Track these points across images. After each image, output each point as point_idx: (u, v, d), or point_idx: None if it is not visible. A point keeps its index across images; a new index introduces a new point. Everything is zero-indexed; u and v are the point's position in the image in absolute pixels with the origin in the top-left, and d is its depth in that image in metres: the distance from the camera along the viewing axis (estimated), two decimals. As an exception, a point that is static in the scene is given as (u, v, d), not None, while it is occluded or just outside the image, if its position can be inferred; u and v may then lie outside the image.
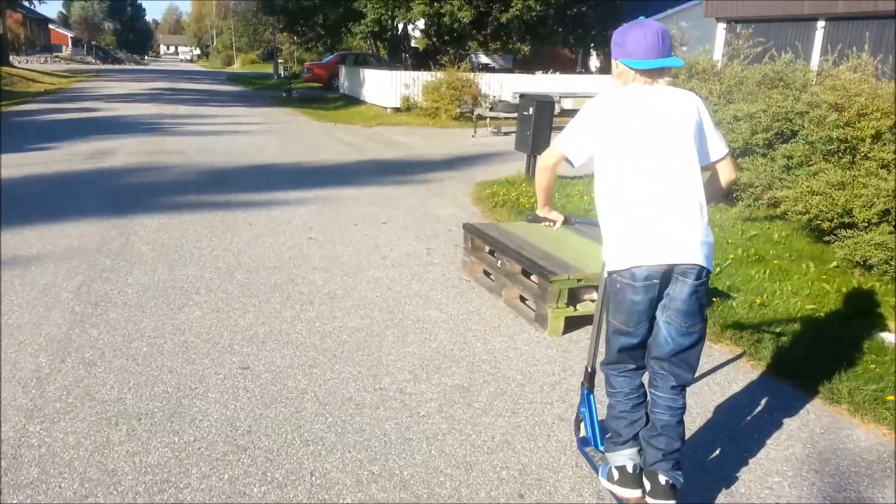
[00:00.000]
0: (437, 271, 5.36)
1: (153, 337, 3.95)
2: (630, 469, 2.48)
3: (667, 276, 2.31)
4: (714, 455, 3.02)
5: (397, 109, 18.52)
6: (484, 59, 28.43)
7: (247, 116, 17.29)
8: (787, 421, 3.31)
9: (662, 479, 2.38)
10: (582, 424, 2.81)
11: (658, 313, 2.37)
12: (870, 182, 5.37)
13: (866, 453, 3.08)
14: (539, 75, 20.70)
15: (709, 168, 2.52)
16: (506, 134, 14.42)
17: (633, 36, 2.41)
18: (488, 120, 14.85)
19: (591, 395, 2.78)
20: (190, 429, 3.05)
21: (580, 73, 25.66)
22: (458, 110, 16.20)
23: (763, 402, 3.49)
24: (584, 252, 4.57)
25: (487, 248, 5.15)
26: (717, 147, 2.50)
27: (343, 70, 25.28)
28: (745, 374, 3.79)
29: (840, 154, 5.90)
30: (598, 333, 2.74)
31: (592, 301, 4.32)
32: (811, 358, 3.87)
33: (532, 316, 4.37)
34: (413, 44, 28.37)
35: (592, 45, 24.56)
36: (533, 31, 21.35)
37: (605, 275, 2.47)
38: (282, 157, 10.82)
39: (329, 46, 32.87)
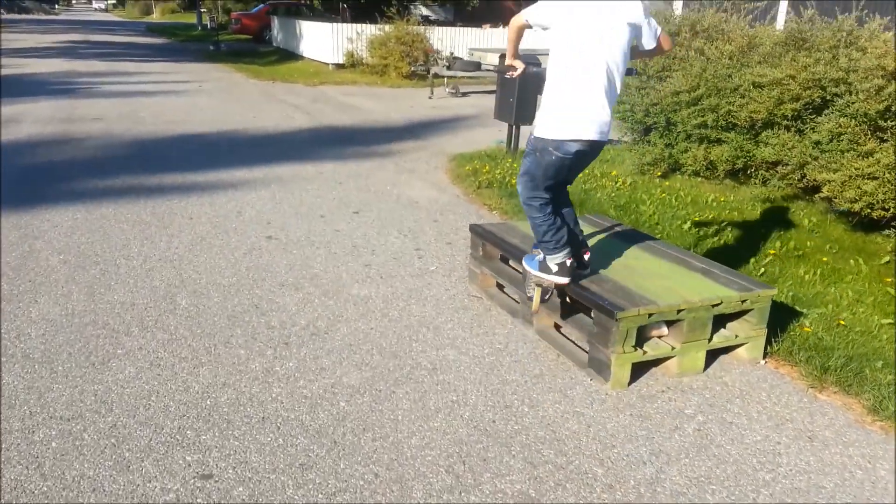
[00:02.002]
0: (437, 284, 4.26)
1: (66, 419, 2.74)
2: (568, 263, 3.30)
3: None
4: None
5: (340, 66, 17.01)
6: (425, 11, 26.77)
7: (173, 73, 15.51)
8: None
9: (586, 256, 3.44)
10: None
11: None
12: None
13: None
14: (488, 29, 19.38)
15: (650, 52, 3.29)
16: (464, 95, 13.25)
17: None
18: (446, 80, 13.59)
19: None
20: None
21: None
22: (409, 68, 14.85)
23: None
24: (642, 269, 3.54)
25: (501, 255, 4.07)
26: (649, 40, 3.20)
27: (276, 21, 23.36)
28: (880, 444, 2.85)
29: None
30: None
31: (662, 337, 3.31)
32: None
33: (583, 359, 3.34)
34: (351, -7, 26.44)
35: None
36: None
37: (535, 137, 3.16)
38: (219, 124, 9.38)
39: (258, -5, 30.54)
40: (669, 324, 3.28)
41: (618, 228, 4.23)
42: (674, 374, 3.31)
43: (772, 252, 5.02)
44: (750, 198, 6.39)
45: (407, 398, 2.99)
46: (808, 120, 5.81)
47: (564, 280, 3.31)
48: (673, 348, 3.26)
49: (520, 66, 3.63)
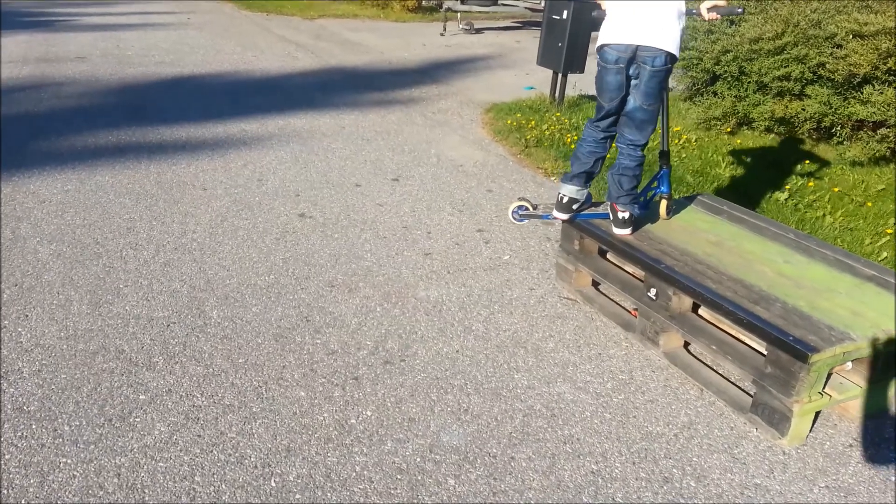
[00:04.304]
0: (517, 281, 3.49)
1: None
2: (565, 200, 3.16)
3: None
4: None
5: (338, -4, 15.75)
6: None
7: (157, 3, 14.21)
8: None
9: (620, 213, 3.05)
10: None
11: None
12: None
13: None
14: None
15: None
16: (477, 31, 12.18)
17: None
18: (459, 15, 12.48)
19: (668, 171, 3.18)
20: None
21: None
22: (415, 0, 13.68)
23: None
24: (804, 280, 2.78)
25: (598, 248, 3.30)
26: None
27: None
28: None
29: None
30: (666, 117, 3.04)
31: (844, 378, 2.58)
32: None
33: (739, 399, 2.62)
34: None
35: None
36: None
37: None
38: (216, 65, 8.36)
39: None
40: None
41: (740, 214, 3.45)
42: (854, 416, 2.60)
43: (889, 231, 4.29)
44: (835, 159, 5.62)
45: (532, 469, 2.25)
46: (918, 74, 4.99)
47: (559, 216, 3.21)
48: (858, 386, 2.54)
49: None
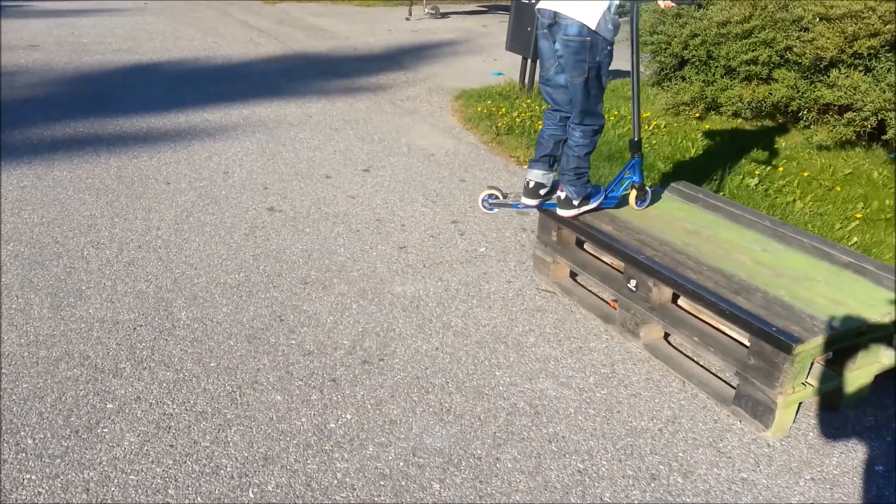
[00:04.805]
0: (494, 274, 3.44)
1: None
2: (531, 185, 3.14)
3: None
4: None
5: (299, -20, 15.40)
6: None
7: (112, -12, 13.73)
8: None
9: (559, 192, 3.10)
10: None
11: None
12: None
13: None
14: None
15: None
16: (443, 16, 12.04)
17: None
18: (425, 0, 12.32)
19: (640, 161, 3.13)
20: None
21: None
22: (379, -17, 13.46)
23: None
24: (782, 268, 2.78)
25: (576, 239, 3.27)
26: None
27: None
28: None
29: None
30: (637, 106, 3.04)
31: (824, 364, 2.58)
32: None
33: (721, 391, 2.61)
34: None
35: None
36: None
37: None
38: (176, 52, 8.12)
39: None
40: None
41: (714, 202, 3.44)
42: (835, 406, 2.60)
43: (857, 216, 4.33)
44: (801, 143, 5.66)
45: (518, 470, 2.20)
46: (884, 59, 5.03)
47: (527, 202, 3.20)
48: (838, 376, 2.54)
49: None
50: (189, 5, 11.92)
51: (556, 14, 2.76)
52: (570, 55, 2.78)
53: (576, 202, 3.07)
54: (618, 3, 2.78)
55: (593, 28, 2.69)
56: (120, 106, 5.81)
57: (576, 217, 3.12)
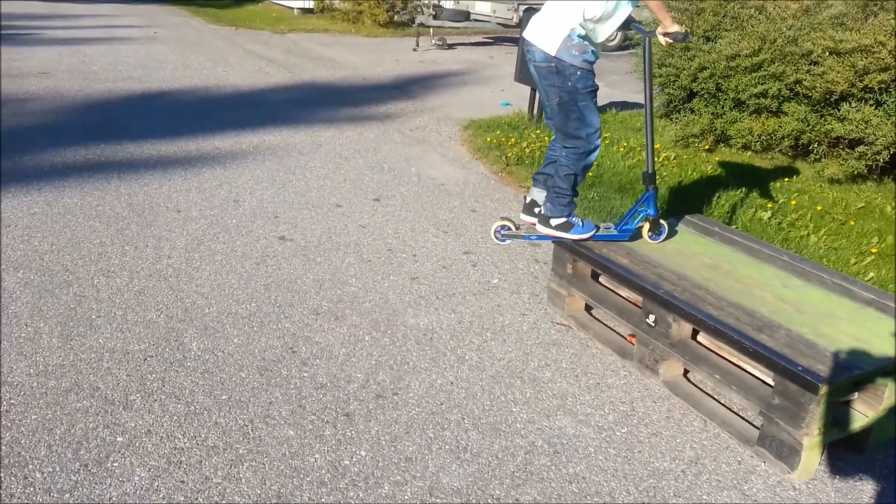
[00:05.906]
0: (508, 307, 3.39)
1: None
2: (527, 201, 3.30)
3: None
4: None
5: (307, 11, 15.63)
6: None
7: (122, 17, 13.93)
8: None
9: (543, 208, 3.19)
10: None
11: None
12: None
13: None
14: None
15: None
16: (450, 47, 12.14)
17: None
18: (431, 30, 12.43)
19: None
20: None
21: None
22: (386, 15, 13.61)
23: None
24: (805, 305, 2.73)
25: (591, 272, 3.23)
26: None
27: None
28: None
29: None
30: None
31: (850, 403, 2.53)
32: None
33: (744, 431, 2.54)
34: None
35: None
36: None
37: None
38: (185, 80, 8.16)
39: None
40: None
41: (731, 236, 3.41)
42: (861, 447, 2.54)
43: (873, 250, 4.29)
44: (812, 177, 5.64)
45: (540, 511, 2.14)
46: (895, 93, 5.04)
47: (525, 219, 3.30)
48: (865, 416, 2.48)
49: (681, 29, 3.10)
50: (198, 35, 12.05)
51: (527, 41, 2.95)
52: (540, 80, 2.96)
53: (553, 222, 3.13)
54: (581, 31, 2.83)
55: (553, 54, 2.83)
56: (130, 133, 5.81)
57: (555, 238, 3.17)
